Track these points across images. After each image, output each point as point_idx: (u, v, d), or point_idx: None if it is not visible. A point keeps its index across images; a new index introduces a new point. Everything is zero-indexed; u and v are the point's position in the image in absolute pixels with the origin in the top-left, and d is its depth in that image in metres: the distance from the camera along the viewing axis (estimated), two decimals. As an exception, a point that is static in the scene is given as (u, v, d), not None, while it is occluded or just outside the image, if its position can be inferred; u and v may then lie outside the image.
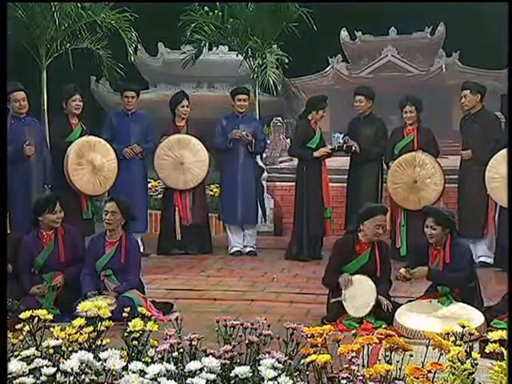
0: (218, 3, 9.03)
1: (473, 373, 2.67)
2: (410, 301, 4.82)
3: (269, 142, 10.42)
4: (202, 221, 7.68)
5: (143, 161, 7.53)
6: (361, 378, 2.67)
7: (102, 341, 3.04)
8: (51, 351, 2.91)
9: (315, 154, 7.23)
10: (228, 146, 7.48)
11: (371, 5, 11.49)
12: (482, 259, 6.80)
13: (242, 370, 2.70)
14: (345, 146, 7.24)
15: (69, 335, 2.96)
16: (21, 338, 3.17)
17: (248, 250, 7.64)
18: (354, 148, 7.20)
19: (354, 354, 2.79)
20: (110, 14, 8.49)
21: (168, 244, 7.63)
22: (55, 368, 2.64)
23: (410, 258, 5.34)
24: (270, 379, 2.64)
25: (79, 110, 6.99)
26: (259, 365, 2.76)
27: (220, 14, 8.95)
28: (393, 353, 2.92)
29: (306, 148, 7.28)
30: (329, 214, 7.30)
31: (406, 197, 7.01)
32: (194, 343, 3.06)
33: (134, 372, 2.64)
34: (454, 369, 2.64)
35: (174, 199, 7.53)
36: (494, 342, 2.89)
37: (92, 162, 6.83)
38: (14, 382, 2.58)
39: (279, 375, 2.66)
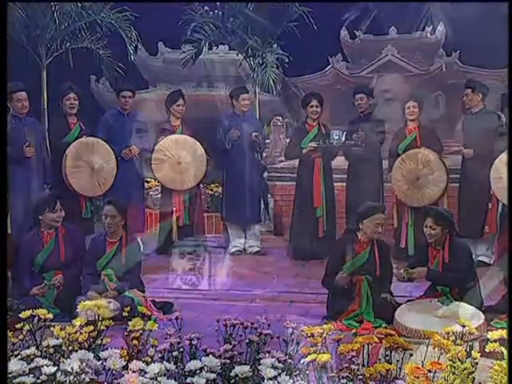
0: (217, 3, 9.04)
1: (473, 372, 2.67)
2: (410, 300, 4.82)
3: (269, 141, 10.43)
4: (198, 221, 7.68)
5: (140, 161, 7.51)
6: (361, 377, 2.67)
7: (102, 340, 3.04)
8: (51, 350, 2.91)
9: (304, 150, 7.24)
10: (227, 146, 7.46)
11: (371, 4, 11.48)
12: (480, 258, 6.79)
13: (242, 370, 2.71)
14: (354, 139, 7.16)
15: (69, 334, 2.97)
16: (21, 337, 3.17)
17: (256, 249, 7.61)
18: (357, 142, 7.14)
19: (354, 353, 2.80)
20: (109, 13, 8.50)
21: (168, 243, 7.62)
22: (55, 367, 2.64)
23: (411, 258, 5.34)
24: (270, 378, 2.64)
25: (74, 108, 6.93)
26: (259, 364, 2.76)
27: (220, 13, 8.95)
28: (393, 352, 2.92)
29: (299, 148, 7.29)
30: (319, 213, 7.27)
31: (409, 194, 6.98)
32: (193, 342, 3.06)
33: (134, 371, 2.64)
34: (454, 368, 2.64)
35: (171, 199, 7.52)
36: (494, 341, 2.89)
37: (91, 163, 6.78)
38: (14, 381, 2.58)
39: (279, 374, 2.66)
